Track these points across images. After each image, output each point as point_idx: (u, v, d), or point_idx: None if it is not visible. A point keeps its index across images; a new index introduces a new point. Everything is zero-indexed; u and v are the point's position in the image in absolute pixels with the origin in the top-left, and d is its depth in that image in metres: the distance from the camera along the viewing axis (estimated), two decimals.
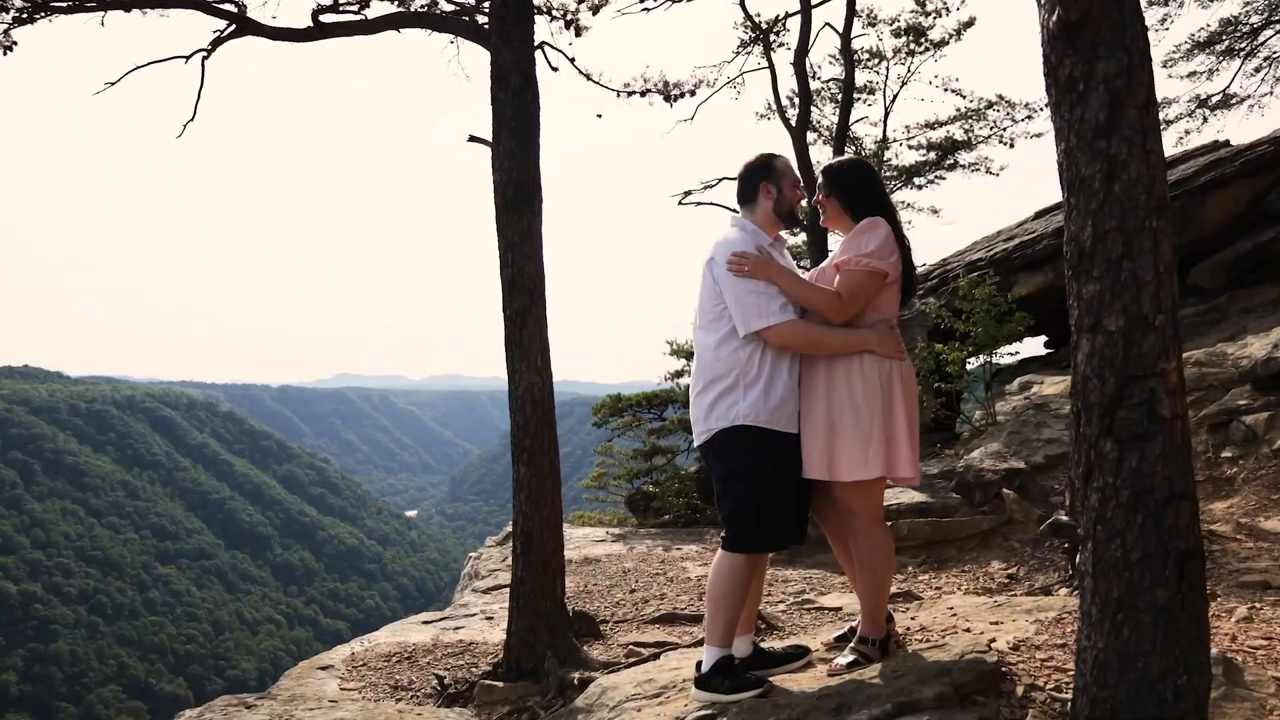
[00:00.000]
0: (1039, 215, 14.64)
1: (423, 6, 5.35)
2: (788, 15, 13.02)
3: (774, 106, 14.09)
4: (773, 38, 13.75)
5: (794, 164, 3.81)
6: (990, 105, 15.26)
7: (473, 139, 4.77)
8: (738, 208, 3.74)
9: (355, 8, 5.27)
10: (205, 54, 5.76)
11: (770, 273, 3.40)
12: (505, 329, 4.83)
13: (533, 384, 4.79)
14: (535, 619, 4.72)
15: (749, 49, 13.87)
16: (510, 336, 4.81)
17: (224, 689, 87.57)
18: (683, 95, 6.94)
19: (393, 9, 5.31)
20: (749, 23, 13.59)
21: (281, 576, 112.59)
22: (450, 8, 5.34)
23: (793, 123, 13.28)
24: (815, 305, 3.41)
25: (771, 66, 13.13)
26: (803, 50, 12.51)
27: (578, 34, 6.19)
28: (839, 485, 3.47)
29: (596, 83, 6.27)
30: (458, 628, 6.78)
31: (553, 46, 5.51)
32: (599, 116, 6.41)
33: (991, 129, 15.47)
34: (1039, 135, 15.55)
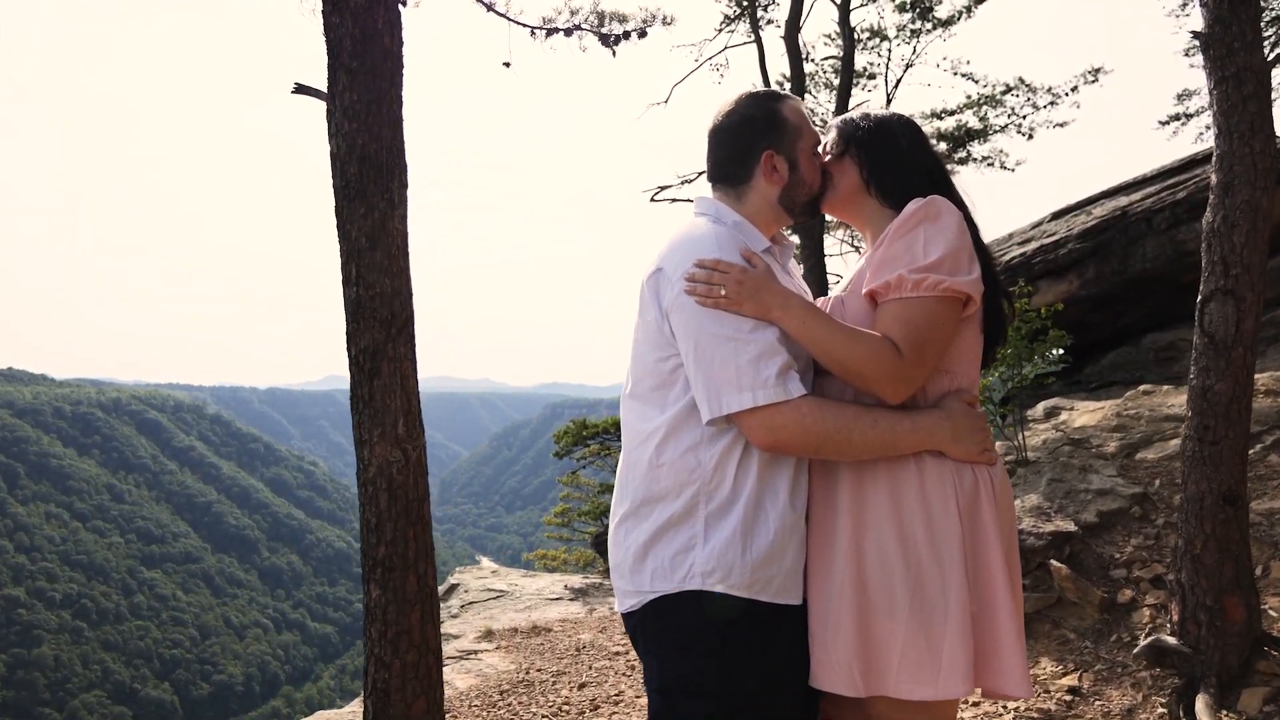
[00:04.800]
0: (1056, 216, 13.12)
1: None
2: None
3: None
4: (761, 11, 12.14)
5: (810, 115, 2.18)
6: (1009, 90, 13.60)
7: (300, 89, 3.16)
8: (710, 187, 2.15)
9: None
10: None
11: (766, 302, 1.85)
12: (351, 376, 3.22)
13: (389, 463, 3.17)
14: None
15: (733, 25, 12.25)
16: (357, 390, 3.19)
17: (210, 694, 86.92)
18: (625, 37, 5.28)
19: None
20: None
21: (269, 580, 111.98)
22: None
23: None
24: (850, 364, 1.84)
25: (759, 43, 11.53)
26: (795, 25, 10.92)
27: None
28: (881, 705, 1.89)
29: (500, 14, 4.60)
30: None
31: None
32: (506, 65, 4.77)
33: (1010, 116, 13.81)
34: (1062, 125, 13.91)
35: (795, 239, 12.75)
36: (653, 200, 11.32)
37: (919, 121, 2.18)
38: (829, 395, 1.95)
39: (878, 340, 1.82)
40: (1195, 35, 3.46)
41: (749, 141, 2.02)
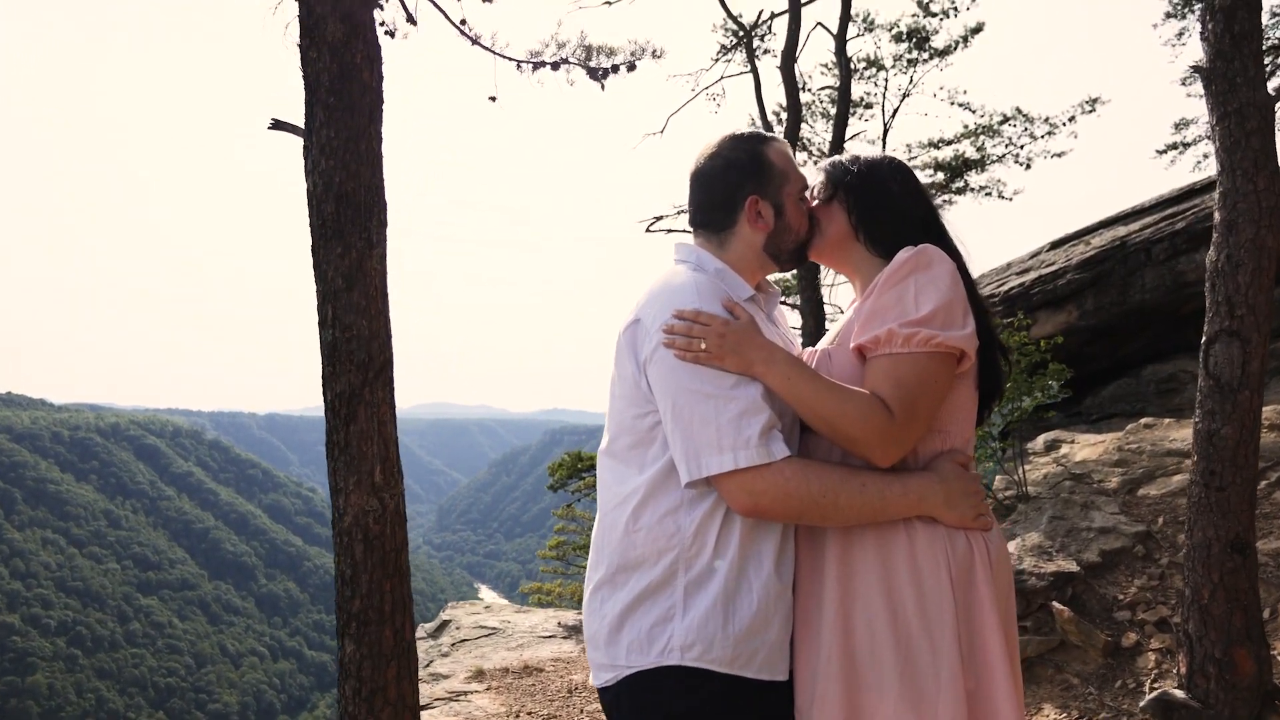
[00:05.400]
0: (1055, 246, 13.08)
1: None
2: (774, 15, 11.40)
3: (758, 121, 12.43)
4: (757, 42, 12.12)
5: (797, 157, 2.07)
6: (1006, 120, 13.56)
7: (278, 125, 3.07)
8: (690, 232, 2.04)
9: None
10: None
11: (748, 356, 1.75)
12: (327, 422, 3.11)
13: (366, 512, 3.05)
14: None
15: (729, 55, 12.23)
16: (333, 436, 3.08)
17: None
18: (614, 70, 5.20)
19: None
20: (731, 23, 11.95)
21: (265, 608, 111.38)
22: None
23: (781, 139, 11.55)
24: (837, 424, 1.73)
25: (756, 73, 11.50)
26: (791, 55, 10.89)
27: None
28: None
29: (485, 47, 4.52)
30: None
31: None
32: (492, 100, 4.69)
33: (1007, 146, 13.77)
34: (1060, 155, 13.86)
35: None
36: (648, 230, 11.24)
37: (917, 151, 2.09)
38: (816, 454, 1.84)
39: (867, 399, 1.71)
40: (1196, 70, 3.38)
41: (733, 186, 1.92)
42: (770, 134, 2.00)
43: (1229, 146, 3.33)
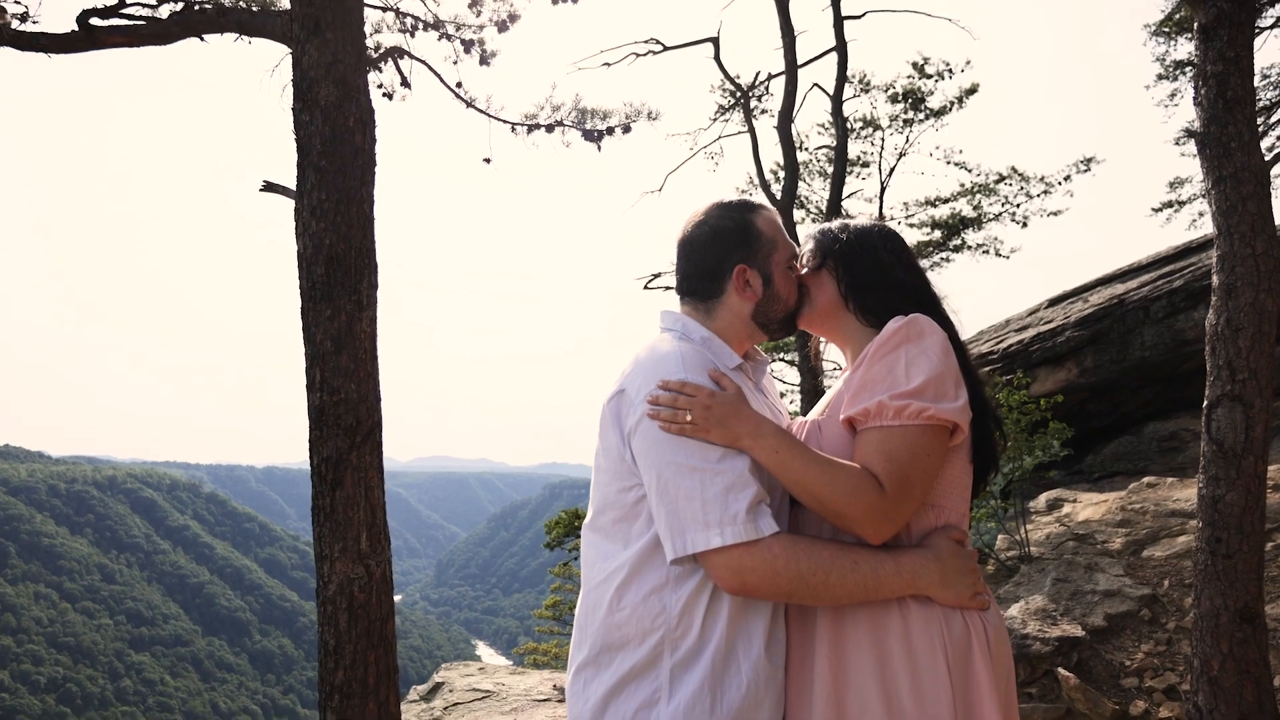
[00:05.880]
0: (1053, 303, 13.11)
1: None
2: (771, 76, 11.56)
3: (756, 179, 12.53)
4: (754, 101, 12.27)
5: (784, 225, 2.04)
6: (1001, 179, 13.67)
7: (269, 187, 3.05)
8: (678, 300, 1.99)
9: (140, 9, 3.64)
10: None
11: (735, 429, 1.70)
12: (313, 486, 3.04)
13: (351, 580, 2.97)
14: None
15: (727, 114, 12.37)
16: (318, 501, 3.01)
17: None
18: (609, 133, 5.22)
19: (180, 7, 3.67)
20: (728, 84, 12.12)
21: (259, 664, 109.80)
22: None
23: (778, 197, 11.68)
24: (828, 500, 1.67)
25: (753, 133, 11.63)
26: (788, 115, 11.01)
27: (483, 62, 4.49)
28: None
29: (480, 110, 4.54)
30: None
31: (410, 55, 3.83)
32: (487, 161, 4.71)
33: (1003, 205, 13.86)
34: (1056, 214, 13.95)
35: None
36: (646, 288, 11.27)
37: (914, 209, 2.07)
38: (806, 530, 1.78)
39: (858, 474, 1.66)
40: (1190, 134, 3.38)
41: (720, 255, 1.89)
42: (758, 202, 1.98)
43: (1225, 210, 3.31)
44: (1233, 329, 3.36)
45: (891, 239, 1.94)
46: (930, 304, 1.87)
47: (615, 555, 1.77)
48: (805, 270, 1.96)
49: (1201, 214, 15.83)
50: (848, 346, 1.95)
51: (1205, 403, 3.62)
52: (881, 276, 1.89)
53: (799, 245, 2.00)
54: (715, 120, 12.64)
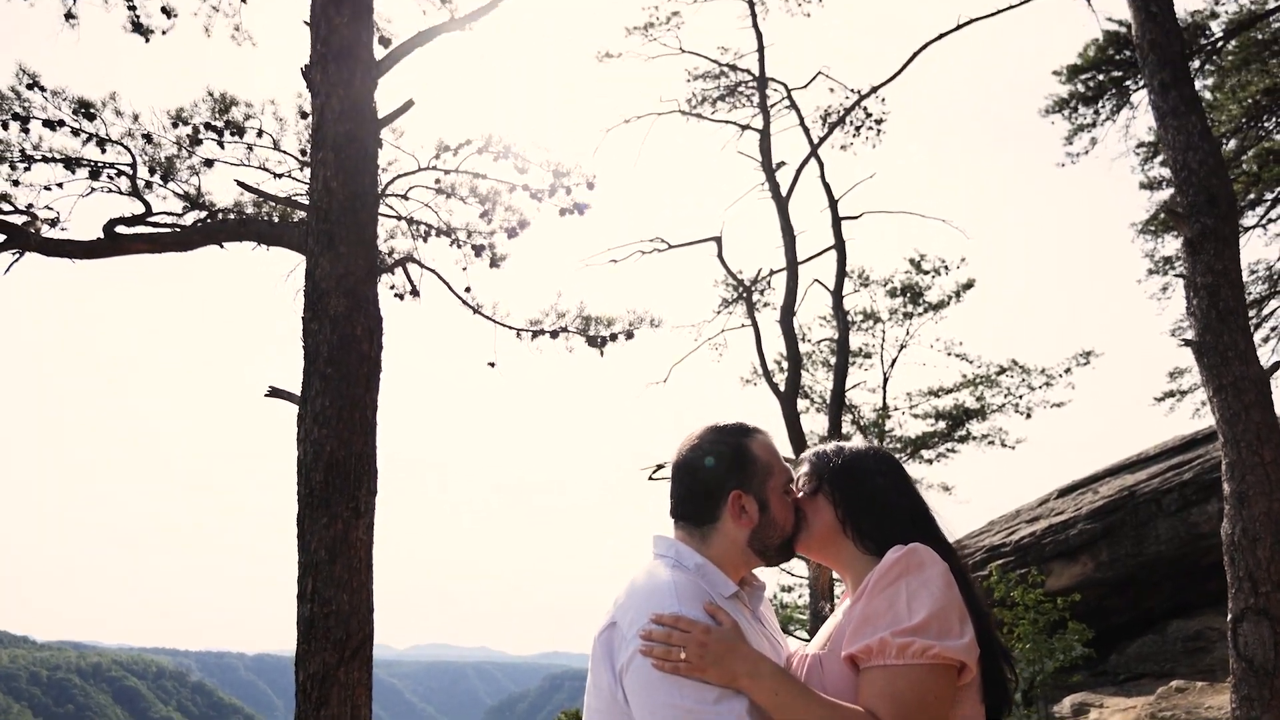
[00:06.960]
0: (1063, 494, 12.98)
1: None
2: (773, 272, 11.97)
3: (760, 370, 12.73)
4: (757, 296, 12.63)
5: (780, 447, 2.01)
6: (1003, 370, 13.86)
7: (274, 393, 3.07)
8: (673, 525, 1.92)
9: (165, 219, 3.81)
10: None
11: (732, 669, 1.62)
12: (297, 705, 2.89)
13: None
14: None
15: (731, 308, 12.72)
16: (303, 716, 2.86)
17: None
18: (612, 339, 5.31)
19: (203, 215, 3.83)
20: (731, 279, 12.52)
21: None
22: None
23: (781, 388, 11.80)
24: None
25: (756, 326, 11.91)
26: (790, 309, 11.31)
27: (493, 265, 4.64)
28: None
29: (487, 317, 4.65)
30: None
31: (420, 264, 3.96)
32: (491, 365, 4.79)
33: (1006, 396, 13.97)
34: (1059, 405, 14.05)
35: None
36: (650, 479, 11.21)
37: (917, 399, 2.05)
38: None
39: (861, 717, 1.56)
40: (1188, 344, 3.42)
41: (716, 481, 1.85)
42: (753, 425, 1.96)
43: (1229, 419, 3.31)
44: (1249, 539, 3.28)
45: (887, 462, 1.92)
46: (928, 529, 1.83)
47: None
48: (801, 494, 1.93)
49: (1204, 403, 15.86)
50: (847, 573, 1.89)
51: (1229, 615, 3.49)
52: (878, 501, 1.85)
53: (802, 452, 1.97)
54: (719, 313, 12.98)
